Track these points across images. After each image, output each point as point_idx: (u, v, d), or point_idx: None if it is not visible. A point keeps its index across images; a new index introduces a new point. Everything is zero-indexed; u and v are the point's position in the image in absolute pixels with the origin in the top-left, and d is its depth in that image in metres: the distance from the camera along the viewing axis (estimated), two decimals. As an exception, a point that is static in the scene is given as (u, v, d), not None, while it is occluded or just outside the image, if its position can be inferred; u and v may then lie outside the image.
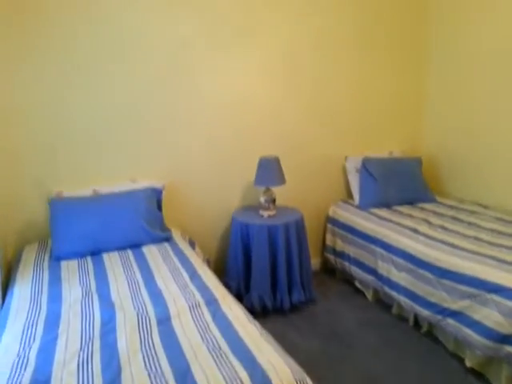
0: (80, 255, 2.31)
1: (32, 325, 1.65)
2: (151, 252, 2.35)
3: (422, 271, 2.41)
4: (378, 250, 2.76)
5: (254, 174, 2.89)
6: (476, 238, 2.47)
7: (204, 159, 2.96)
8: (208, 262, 2.72)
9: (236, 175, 3.08)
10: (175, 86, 2.78)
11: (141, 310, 1.73)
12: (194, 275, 2.04)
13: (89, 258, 2.29)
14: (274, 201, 2.86)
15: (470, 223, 2.72)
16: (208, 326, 1.60)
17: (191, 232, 2.93)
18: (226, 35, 2.86)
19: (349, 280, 3.18)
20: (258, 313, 2.67)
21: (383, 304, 2.84)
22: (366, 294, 2.96)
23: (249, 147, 3.06)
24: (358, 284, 3.06)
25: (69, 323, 1.64)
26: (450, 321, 2.22)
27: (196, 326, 1.60)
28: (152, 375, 1.32)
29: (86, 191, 2.57)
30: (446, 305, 2.24)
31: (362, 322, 2.66)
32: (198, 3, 2.75)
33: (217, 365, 1.36)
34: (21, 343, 1.52)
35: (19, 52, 2.40)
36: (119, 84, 2.64)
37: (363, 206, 3.15)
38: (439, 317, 2.28)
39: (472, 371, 2.16)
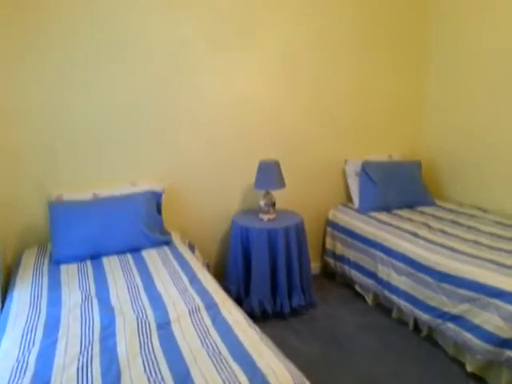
0: (80, 259, 2.31)
1: (31, 329, 1.64)
2: (151, 256, 2.35)
3: (421, 275, 2.41)
4: (378, 253, 2.76)
5: (254, 177, 2.89)
6: (475, 242, 2.47)
7: (204, 160, 2.96)
8: (208, 266, 2.72)
9: (236, 177, 3.08)
10: (175, 86, 2.78)
11: (140, 314, 1.72)
12: (193, 279, 2.04)
13: (88, 262, 2.29)
14: (273, 204, 2.86)
15: (469, 227, 2.73)
16: (208, 330, 1.60)
17: (191, 235, 2.93)
18: (225, 35, 2.86)
19: (349, 284, 3.17)
20: (258, 317, 2.66)
21: (383, 308, 2.84)
22: (366, 297, 2.96)
23: (248, 149, 3.07)
24: (357, 288, 3.05)
25: (68, 327, 1.64)
26: (450, 325, 2.22)
27: (196, 330, 1.60)
28: (152, 379, 1.32)
29: (85, 194, 2.57)
30: (445, 309, 2.24)
31: (362, 326, 2.66)
32: (198, 3, 2.76)
33: (216, 369, 1.36)
34: (20, 347, 1.52)
35: (19, 52, 2.40)
36: (119, 84, 2.64)
37: (363, 210, 3.15)
38: (439, 321, 2.28)
39: (473, 376, 2.15)
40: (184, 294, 1.89)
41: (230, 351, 1.45)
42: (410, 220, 2.92)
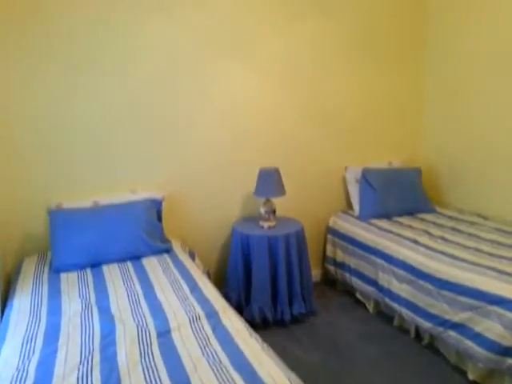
0: (80, 267, 2.31)
1: (31, 338, 1.64)
2: (151, 264, 2.34)
3: (422, 282, 2.40)
4: (379, 261, 2.75)
5: (254, 184, 2.89)
6: (476, 249, 2.47)
7: (204, 168, 2.96)
8: (208, 274, 2.72)
9: (236, 185, 3.08)
10: (174, 89, 2.79)
11: (141, 323, 1.72)
12: (194, 287, 2.04)
13: (88, 270, 2.28)
14: (274, 212, 2.86)
15: (470, 234, 2.72)
16: (208, 339, 1.59)
17: (191, 242, 2.93)
18: (225, 37, 2.87)
19: (349, 291, 3.16)
20: (259, 324, 2.66)
21: (384, 316, 2.82)
22: (367, 305, 2.95)
23: (249, 156, 3.07)
24: (358, 295, 3.04)
25: (68, 336, 1.64)
26: (452, 333, 2.21)
27: (196, 338, 1.59)
28: (152, 389, 1.31)
29: (85, 202, 2.57)
30: (447, 317, 2.23)
31: (363, 334, 2.64)
32: (198, 5, 2.77)
33: (217, 378, 1.35)
34: (20, 356, 1.51)
35: (19, 52, 2.40)
36: (119, 85, 2.64)
37: (363, 217, 3.15)
38: (440, 329, 2.27)
39: (474, 384, 2.14)
40: (184, 302, 1.88)
41: (230, 360, 1.44)
42: (411, 227, 2.92)
